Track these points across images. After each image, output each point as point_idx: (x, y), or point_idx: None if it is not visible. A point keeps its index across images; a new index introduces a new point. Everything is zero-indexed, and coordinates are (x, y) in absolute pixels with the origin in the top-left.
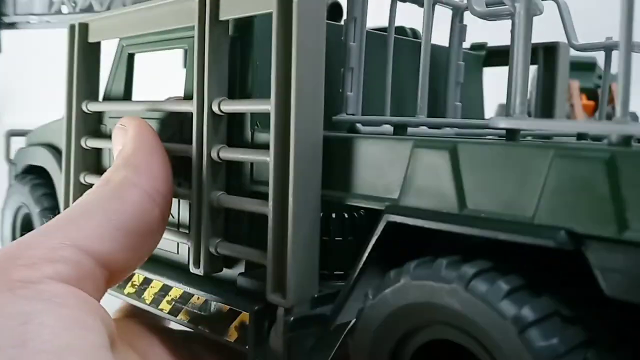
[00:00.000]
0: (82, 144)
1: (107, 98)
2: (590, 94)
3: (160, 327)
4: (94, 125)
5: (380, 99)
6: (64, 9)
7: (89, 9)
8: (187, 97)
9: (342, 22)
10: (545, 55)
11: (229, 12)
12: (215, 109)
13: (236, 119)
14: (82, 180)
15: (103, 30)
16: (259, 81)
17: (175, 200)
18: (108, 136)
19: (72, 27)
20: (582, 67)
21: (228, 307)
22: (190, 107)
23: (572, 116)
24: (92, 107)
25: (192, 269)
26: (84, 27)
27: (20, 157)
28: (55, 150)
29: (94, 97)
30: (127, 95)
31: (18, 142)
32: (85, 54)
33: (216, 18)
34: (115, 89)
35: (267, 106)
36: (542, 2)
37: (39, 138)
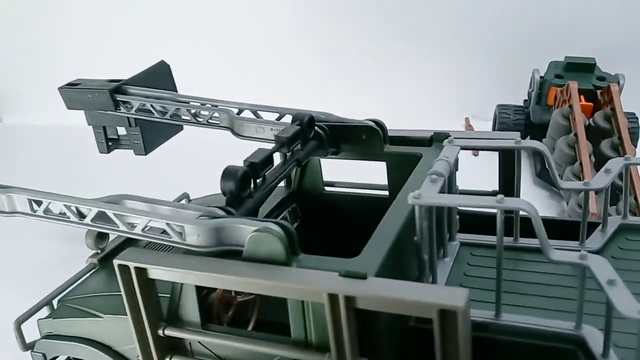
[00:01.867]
0: None
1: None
2: (589, 95)
3: None
4: (169, 342)
5: None
6: None
7: None
8: None
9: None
10: None
11: None
12: None
13: None
14: None
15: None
16: None
17: None
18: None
19: (124, 268)
20: (581, 68)
21: None
22: None
23: (572, 118)
24: (169, 332)
25: None
26: (141, 271)
27: (50, 348)
28: (110, 350)
29: (160, 319)
30: None
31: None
32: (146, 289)
33: None
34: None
35: None
36: None
37: (71, 329)
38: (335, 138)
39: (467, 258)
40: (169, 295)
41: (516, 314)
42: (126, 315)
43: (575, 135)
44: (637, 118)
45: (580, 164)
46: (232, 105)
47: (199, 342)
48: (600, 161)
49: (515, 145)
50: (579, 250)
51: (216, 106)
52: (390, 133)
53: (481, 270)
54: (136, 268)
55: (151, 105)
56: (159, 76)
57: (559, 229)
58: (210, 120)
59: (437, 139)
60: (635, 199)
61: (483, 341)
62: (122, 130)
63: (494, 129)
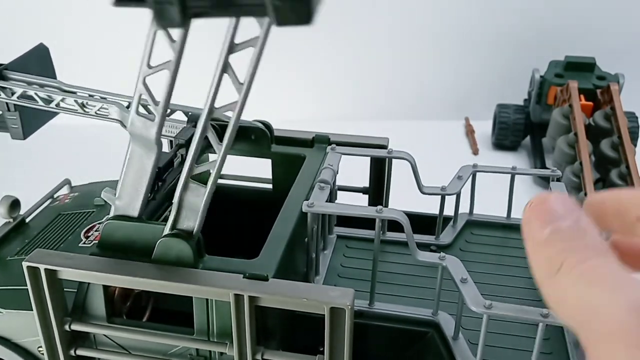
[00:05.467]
0: (72, 353)
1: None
2: (589, 94)
3: None
4: (73, 335)
5: None
6: None
7: None
8: None
9: None
10: None
11: None
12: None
13: None
14: None
15: (75, 275)
16: None
17: None
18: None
19: (32, 269)
20: (581, 68)
21: None
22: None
23: (572, 117)
24: (75, 327)
25: None
26: (51, 272)
27: None
28: (8, 342)
29: (65, 314)
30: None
31: None
32: (54, 288)
33: None
34: None
35: None
36: None
37: None
38: None
39: (343, 250)
40: (73, 290)
41: (385, 303)
42: (27, 310)
43: (575, 134)
44: (637, 117)
45: (580, 163)
46: (121, 99)
47: (104, 335)
48: (600, 160)
49: (387, 155)
50: (436, 244)
51: (105, 98)
52: (276, 133)
53: (355, 261)
54: (46, 270)
55: (35, 93)
56: (39, 60)
57: (421, 222)
58: (98, 112)
59: (318, 141)
60: None
61: (358, 325)
62: None
63: (494, 129)
